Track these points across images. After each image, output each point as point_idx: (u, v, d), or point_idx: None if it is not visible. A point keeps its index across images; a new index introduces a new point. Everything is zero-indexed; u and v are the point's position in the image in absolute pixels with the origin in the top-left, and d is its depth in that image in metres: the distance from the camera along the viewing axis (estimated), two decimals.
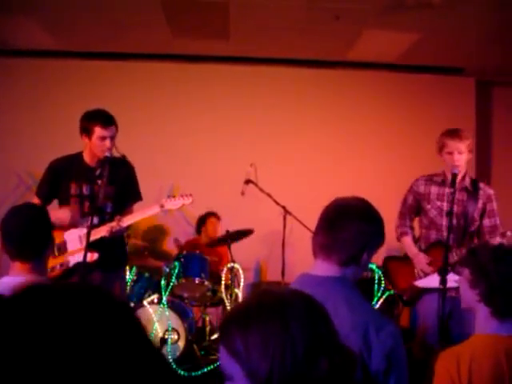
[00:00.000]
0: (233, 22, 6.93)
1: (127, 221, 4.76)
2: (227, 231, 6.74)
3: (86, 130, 4.75)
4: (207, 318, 6.70)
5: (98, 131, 4.71)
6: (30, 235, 2.94)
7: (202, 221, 7.65)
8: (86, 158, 4.87)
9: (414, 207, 5.10)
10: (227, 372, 1.48)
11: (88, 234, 4.34)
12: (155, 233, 8.15)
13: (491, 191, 4.88)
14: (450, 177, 4.64)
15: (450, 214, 4.42)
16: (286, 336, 1.43)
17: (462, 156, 4.70)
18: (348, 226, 2.25)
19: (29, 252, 2.92)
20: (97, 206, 4.62)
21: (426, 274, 4.79)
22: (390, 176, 8.29)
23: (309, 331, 1.46)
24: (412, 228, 5.19)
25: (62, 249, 4.66)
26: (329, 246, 2.23)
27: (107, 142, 4.73)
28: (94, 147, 4.75)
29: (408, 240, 5.10)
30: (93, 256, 4.51)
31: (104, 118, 4.78)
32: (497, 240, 4.60)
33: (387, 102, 8.60)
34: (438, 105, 8.55)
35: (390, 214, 7.50)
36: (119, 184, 4.91)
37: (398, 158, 8.40)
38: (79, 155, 4.90)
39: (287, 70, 8.43)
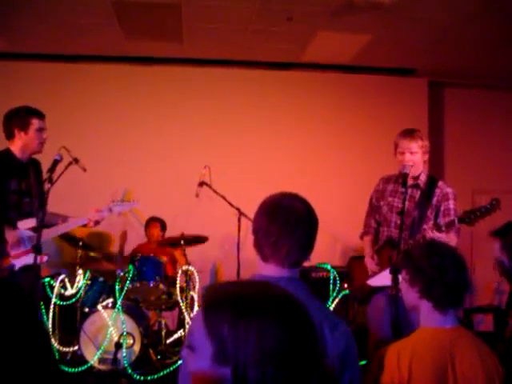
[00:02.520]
0: (186, 24, 6.90)
1: (77, 222, 4.81)
2: (182, 234, 6.70)
3: (21, 125, 4.69)
4: (163, 322, 6.64)
5: (36, 123, 4.74)
6: None
7: (146, 225, 7.58)
8: (18, 154, 4.76)
9: (376, 206, 5.13)
10: (194, 344, 1.48)
11: (38, 237, 4.30)
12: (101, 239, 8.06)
13: (449, 190, 4.81)
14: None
15: (401, 213, 4.44)
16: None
17: (413, 156, 4.69)
18: (304, 227, 2.23)
19: None
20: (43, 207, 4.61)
21: (376, 273, 4.84)
22: (346, 176, 8.36)
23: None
24: (376, 228, 5.21)
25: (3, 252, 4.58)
26: (286, 249, 2.21)
27: (44, 134, 4.75)
28: (31, 141, 4.71)
29: (367, 240, 5.16)
30: (42, 258, 4.46)
31: (37, 111, 4.81)
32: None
33: (341, 102, 8.66)
34: (391, 105, 8.65)
35: (346, 213, 7.59)
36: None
37: (354, 158, 8.47)
38: (9, 151, 4.77)
39: (241, 71, 8.43)
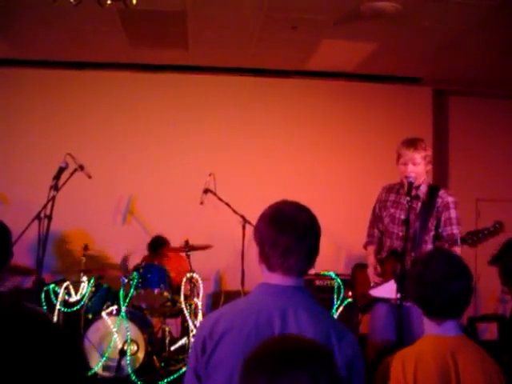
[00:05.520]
0: (191, 32, 6.92)
1: None
2: (186, 241, 6.71)
3: None
4: (167, 329, 6.64)
5: None
6: None
7: (155, 250, 7.46)
8: None
9: (379, 216, 5.07)
10: None
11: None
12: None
13: (450, 199, 4.71)
14: (406, 185, 4.63)
15: (406, 222, 4.41)
16: None
17: (416, 167, 4.61)
18: (311, 237, 2.23)
19: None
20: None
21: (378, 284, 4.82)
22: (350, 184, 8.36)
23: None
24: (380, 238, 5.18)
25: None
26: (294, 260, 2.20)
27: None
28: None
29: (370, 250, 5.11)
30: None
31: None
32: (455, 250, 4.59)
33: (346, 111, 8.66)
34: (396, 114, 8.64)
35: (350, 221, 7.59)
36: None
37: (358, 166, 8.46)
38: None
39: (246, 79, 8.43)
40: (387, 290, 4.51)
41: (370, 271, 4.94)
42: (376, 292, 4.79)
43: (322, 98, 8.64)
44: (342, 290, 6.70)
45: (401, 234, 4.68)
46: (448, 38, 6.81)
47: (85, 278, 6.55)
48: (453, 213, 4.70)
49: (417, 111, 8.73)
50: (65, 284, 6.49)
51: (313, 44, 7.23)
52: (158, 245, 7.42)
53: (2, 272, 2.99)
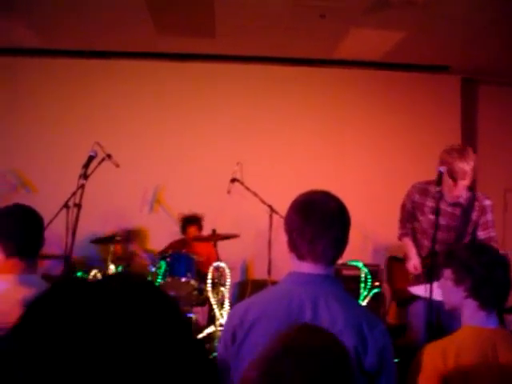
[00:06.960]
0: (218, 20, 6.90)
1: None
2: (213, 231, 6.71)
3: None
4: (193, 318, 6.66)
5: None
6: (31, 233, 2.99)
7: (184, 227, 7.50)
8: None
9: (411, 213, 5.09)
10: None
11: None
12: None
13: (487, 202, 4.71)
14: (445, 190, 4.59)
15: (436, 213, 4.36)
16: None
17: (466, 182, 4.52)
18: (339, 225, 2.24)
19: (30, 249, 2.98)
20: None
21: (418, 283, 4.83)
22: (377, 174, 8.31)
23: None
24: (412, 230, 5.18)
25: None
26: (321, 247, 2.21)
27: None
28: None
29: (408, 241, 5.12)
30: None
31: None
32: None
33: (373, 100, 8.60)
34: (424, 103, 8.56)
35: (377, 211, 7.55)
36: None
37: (384, 156, 8.41)
38: None
39: (273, 68, 8.41)
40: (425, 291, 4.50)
41: (409, 265, 4.95)
42: (415, 290, 4.78)
43: (350, 87, 8.59)
44: (370, 280, 6.67)
45: (443, 238, 4.68)
46: (477, 25, 6.73)
47: (112, 267, 6.59)
48: (489, 216, 4.74)
49: (445, 100, 8.64)
50: (93, 272, 6.53)
51: (341, 33, 7.19)
52: (191, 220, 7.40)
53: (36, 258, 3.04)
